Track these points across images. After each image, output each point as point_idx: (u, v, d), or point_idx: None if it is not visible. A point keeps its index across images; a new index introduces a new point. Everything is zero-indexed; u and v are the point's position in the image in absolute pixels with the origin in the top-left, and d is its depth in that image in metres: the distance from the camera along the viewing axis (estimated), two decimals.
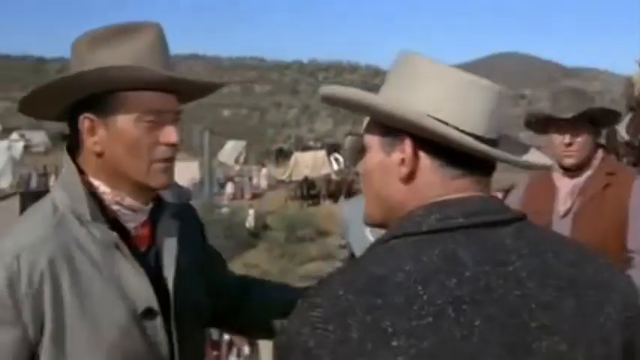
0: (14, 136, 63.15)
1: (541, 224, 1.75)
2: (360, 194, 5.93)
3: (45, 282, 1.96)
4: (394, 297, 1.41)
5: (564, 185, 4.19)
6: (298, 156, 43.46)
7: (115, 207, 2.15)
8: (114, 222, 2.13)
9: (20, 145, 59.44)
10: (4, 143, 59.28)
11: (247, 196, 43.27)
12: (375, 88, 1.85)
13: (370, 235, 4.24)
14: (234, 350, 12.61)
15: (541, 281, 1.52)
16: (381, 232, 1.66)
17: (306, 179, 41.49)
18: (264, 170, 48.30)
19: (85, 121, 2.09)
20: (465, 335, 1.40)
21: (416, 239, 1.52)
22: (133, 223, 2.18)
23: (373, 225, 1.76)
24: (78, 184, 2.10)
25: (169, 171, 2.17)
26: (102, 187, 2.14)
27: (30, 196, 39.82)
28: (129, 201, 2.16)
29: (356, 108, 1.68)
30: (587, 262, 1.62)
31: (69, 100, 2.11)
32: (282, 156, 56.48)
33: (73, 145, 2.17)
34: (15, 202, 37.92)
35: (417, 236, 1.53)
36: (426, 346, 1.38)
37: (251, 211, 35.66)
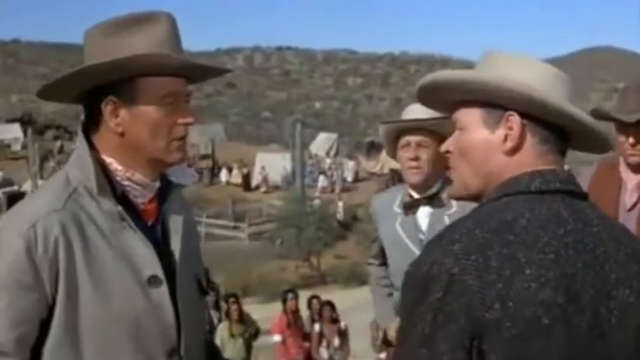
0: None
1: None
2: (391, 188, 5.87)
3: (59, 248, 2.13)
4: (523, 236, 1.70)
5: (631, 179, 4.11)
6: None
7: (125, 182, 2.31)
8: (123, 197, 2.29)
9: None
10: None
11: (338, 189, 43.38)
12: None
13: (400, 229, 4.21)
14: (324, 342, 12.67)
15: (615, 245, 1.82)
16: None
17: (396, 172, 41.38)
18: (350, 163, 48.34)
19: (108, 104, 2.25)
20: (573, 273, 1.71)
21: (526, 197, 1.80)
22: (141, 198, 2.35)
23: (464, 197, 2.00)
24: (89, 160, 2.26)
25: (184, 148, 2.36)
26: (114, 165, 2.31)
27: None
28: (139, 177, 2.32)
29: (458, 88, 1.90)
30: (637, 242, 1.92)
31: (90, 85, 2.27)
32: (374, 149, 56.40)
33: (89, 125, 2.33)
34: None
35: (527, 195, 1.80)
36: (551, 276, 1.68)
37: (340, 204, 35.76)
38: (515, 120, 1.82)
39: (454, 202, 4.05)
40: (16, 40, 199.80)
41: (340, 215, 35.16)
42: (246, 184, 47.69)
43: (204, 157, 54.94)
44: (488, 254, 1.67)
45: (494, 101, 1.85)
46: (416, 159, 4.04)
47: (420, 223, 4.15)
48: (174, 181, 2.47)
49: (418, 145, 4.04)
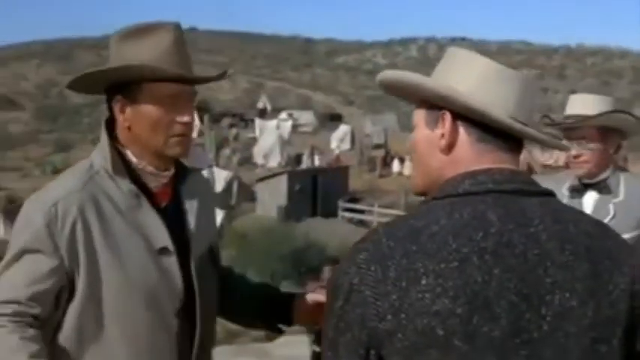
0: (283, 115, 65.41)
1: None
2: None
3: (77, 225, 2.48)
4: (427, 244, 1.71)
5: None
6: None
7: (139, 168, 2.67)
8: (138, 180, 2.64)
9: (288, 124, 61.55)
10: (273, 122, 61.50)
11: None
12: None
13: None
14: None
15: (560, 245, 1.77)
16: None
17: (568, 165, 40.34)
18: (520, 157, 47.46)
19: (117, 102, 2.62)
20: (485, 280, 1.68)
21: (452, 200, 1.80)
22: (154, 183, 2.69)
23: (417, 193, 2.04)
24: (107, 147, 2.63)
25: (184, 143, 2.66)
26: (129, 155, 2.67)
27: (297, 175, 40.98)
28: (150, 168, 2.67)
29: (405, 88, 1.99)
30: (606, 237, 1.88)
31: (106, 84, 2.65)
32: None
33: (111, 118, 2.69)
34: (282, 180, 39.45)
35: (453, 197, 1.81)
36: (450, 286, 1.66)
37: None
38: (447, 119, 1.88)
39: (622, 191, 4.11)
40: (193, 29, 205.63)
41: None
42: None
43: (377, 146, 55.22)
44: (388, 264, 1.71)
45: (433, 102, 1.92)
46: (578, 156, 4.11)
47: (585, 207, 4.15)
48: (188, 165, 2.83)
49: (580, 142, 4.09)
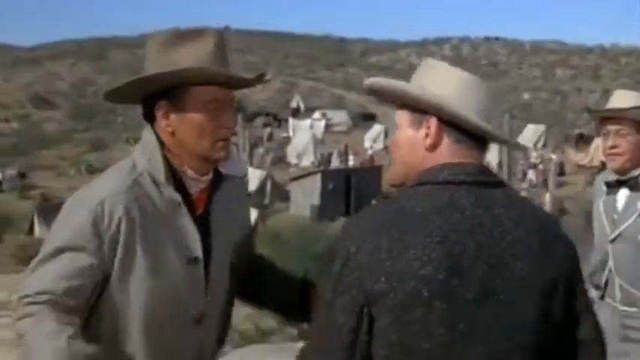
0: (316, 115, 65.50)
1: None
2: None
3: (122, 225, 2.52)
4: (414, 222, 2.05)
5: None
6: (600, 141, 41.98)
7: (181, 174, 2.70)
8: (180, 185, 2.68)
9: (322, 124, 61.64)
10: (307, 122, 61.64)
11: (552, 184, 42.44)
12: None
13: (602, 205, 4.54)
14: None
15: (516, 224, 2.16)
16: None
17: (603, 165, 40.12)
18: (554, 156, 47.23)
19: (160, 108, 2.64)
20: (461, 252, 2.03)
21: (433, 187, 2.15)
22: (194, 188, 2.73)
23: (396, 184, 2.33)
24: (157, 152, 2.65)
25: (227, 147, 2.71)
26: (171, 159, 2.68)
27: (331, 175, 40.99)
28: (191, 173, 2.71)
29: (395, 94, 2.28)
30: (553, 222, 2.32)
31: (149, 91, 2.65)
32: (583, 141, 54.90)
33: (150, 122, 2.70)
34: (317, 179, 39.45)
35: (434, 185, 2.15)
36: (434, 256, 2.00)
37: (547, 195, 35.04)
38: (433, 122, 2.21)
39: None
40: (226, 28, 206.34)
41: (547, 207, 34.43)
42: None
43: None
44: (382, 236, 2.03)
45: (417, 107, 2.23)
46: (614, 147, 4.30)
47: (618, 204, 4.40)
48: (224, 172, 2.85)
49: (617, 133, 4.29)
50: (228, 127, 2.69)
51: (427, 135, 2.21)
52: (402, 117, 2.29)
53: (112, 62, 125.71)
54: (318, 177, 39.48)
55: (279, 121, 72.71)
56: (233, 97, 2.72)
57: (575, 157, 44.66)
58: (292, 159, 55.20)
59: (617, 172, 4.39)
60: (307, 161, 53.43)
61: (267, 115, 72.41)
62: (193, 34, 2.66)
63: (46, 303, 2.38)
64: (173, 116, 2.63)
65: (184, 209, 2.65)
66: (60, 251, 2.47)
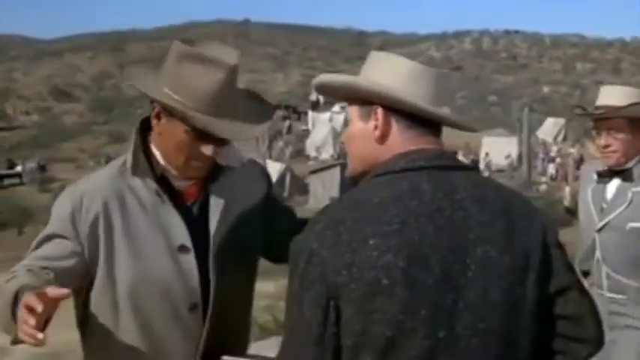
0: (336, 108, 65.26)
1: None
2: None
3: (99, 218, 2.67)
4: (372, 212, 2.06)
5: None
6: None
7: (164, 170, 2.75)
8: (163, 179, 2.75)
9: (341, 117, 61.44)
10: (326, 115, 61.62)
11: (571, 176, 42.34)
12: None
13: (590, 194, 4.53)
14: None
15: (481, 207, 2.14)
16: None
17: None
18: (572, 150, 47.08)
19: (155, 108, 2.69)
20: (421, 239, 2.03)
21: (391, 176, 2.15)
22: (178, 183, 2.78)
23: (354, 178, 2.34)
24: (138, 147, 2.76)
25: (202, 169, 2.73)
26: (158, 156, 2.76)
27: None
28: (174, 173, 2.75)
29: (340, 88, 2.32)
30: (521, 201, 2.29)
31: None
32: None
33: (148, 119, 2.79)
34: (336, 172, 39.50)
35: (392, 174, 2.15)
36: (393, 244, 2.00)
37: (567, 189, 34.97)
38: (380, 112, 2.21)
39: None
40: (247, 21, 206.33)
41: (567, 201, 34.33)
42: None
43: None
44: (341, 230, 2.04)
45: (366, 99, 2.24)
46: (607, 146, 4.26)
47: (607, 193, 4.38)
48: (222, 163, 2.80)
49: (609, 132, 4.25)
50: (207, 158, 2.67)
51: (376, 127, 2.22)
52: (352, 111, 2.31)
53: (131, 55, 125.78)
54: (337, 170, 39.54)
55: (299, 114, 72.59)
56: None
57: (595, 150, 44.35)
58: (311, 152, 55.24)
59: (612, 167, 4.37)
60: (326, 154, 53.45)
61: (286, 107, 72.30)
62: (206, 61, 2.62)
63: (19, 268, 2.56)
64: (163, 120, 2.69)
65: (167, 199, 2.73)
66: (49, 238, 2.68)
